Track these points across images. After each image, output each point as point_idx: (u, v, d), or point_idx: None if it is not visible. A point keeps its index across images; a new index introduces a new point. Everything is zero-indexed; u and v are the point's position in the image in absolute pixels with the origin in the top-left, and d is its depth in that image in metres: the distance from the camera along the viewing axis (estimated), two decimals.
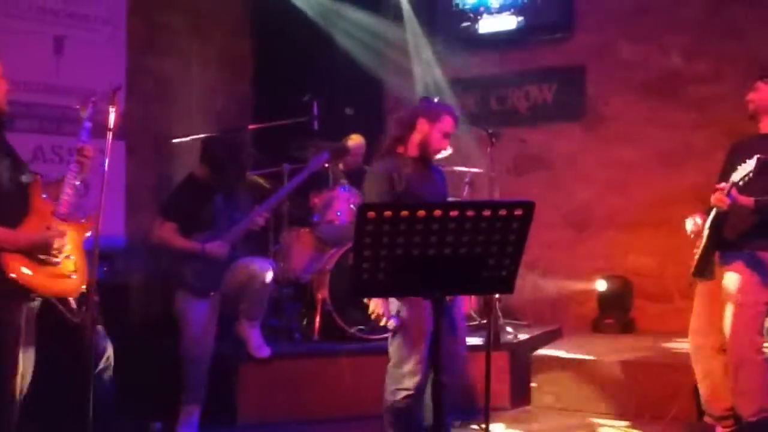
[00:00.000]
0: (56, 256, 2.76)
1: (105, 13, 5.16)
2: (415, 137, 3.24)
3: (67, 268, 2.80)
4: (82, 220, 2.95)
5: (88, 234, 2.95)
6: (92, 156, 2.95)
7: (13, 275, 2.60)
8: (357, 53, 6.01)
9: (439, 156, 3.34)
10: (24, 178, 2.84)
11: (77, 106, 3.02)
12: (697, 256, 3.41)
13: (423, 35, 6.22)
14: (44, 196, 2.87)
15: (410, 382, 3.00)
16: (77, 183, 2.88)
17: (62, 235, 2.79)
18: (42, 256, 2.71)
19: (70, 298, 2.77)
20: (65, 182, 2.86)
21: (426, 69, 6.20)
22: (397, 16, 6.28)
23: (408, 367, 3.01)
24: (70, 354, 2.92)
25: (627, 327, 5.29)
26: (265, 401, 4.05)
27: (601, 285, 5.44)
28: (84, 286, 2.83)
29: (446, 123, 3.23)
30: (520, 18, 6.03)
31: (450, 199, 3.49)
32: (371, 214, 1.91)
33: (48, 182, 2.93)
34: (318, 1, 6.09)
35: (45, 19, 4.89)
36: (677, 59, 5.48)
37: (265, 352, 3.97)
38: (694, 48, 5.42)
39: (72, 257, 2.83)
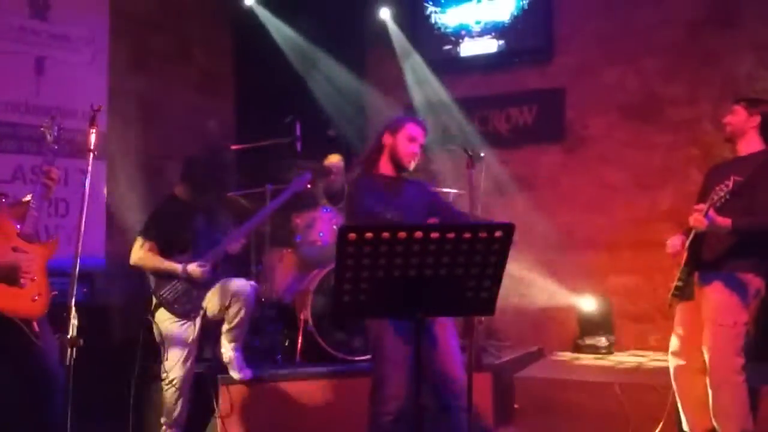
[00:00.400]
0: (23, 278, 2.74)
1: (87, 33, 5.16)
2: (385, 154, 3.25)
3: (32, 291, 2.79)
4: (47, 242, 2.95)
5: (51, 256, 2.93)
6: (57, 178, 2.95)
7: None
8: (337, 80, 6.07)
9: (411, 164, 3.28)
10: None
11: (41, 127, 3.02)
12: (676, 277, 3.44)
13: (408, 56, 6.29)
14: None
15: (391, 406, 2.93)
16: (42, 204, 2.87)
17: (30, 257, 2.78)
18: (7, 278, 2.69)
19: (33, 321, 2.75)
20: (30, 203, 2.86)
21: (409, 90, 6.26)
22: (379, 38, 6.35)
23: (387, 390, 2.95)
24: (27, 376, 2.89)
25: (608, 347, 5.31)
26: (246, 423, 4.00)
27: (582, 305, 5.46)
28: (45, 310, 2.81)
29: (409, 128, 3.24)
30: (501, 41, 6.12)
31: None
32: (352, 236, 1.92)
33: (12, 203, 2.92)
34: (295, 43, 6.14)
35: (26, 40, 4.89)
36: (654, 82, 5.57)
37: (246, 374, 3.93)
38: (670, 71, 5.52)
39: (36, 279, 2.82)
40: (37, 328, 2.75)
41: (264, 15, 6.13)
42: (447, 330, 3.10)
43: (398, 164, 3.26)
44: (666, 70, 5.54)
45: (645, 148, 5.59)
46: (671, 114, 5.51)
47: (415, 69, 6.25)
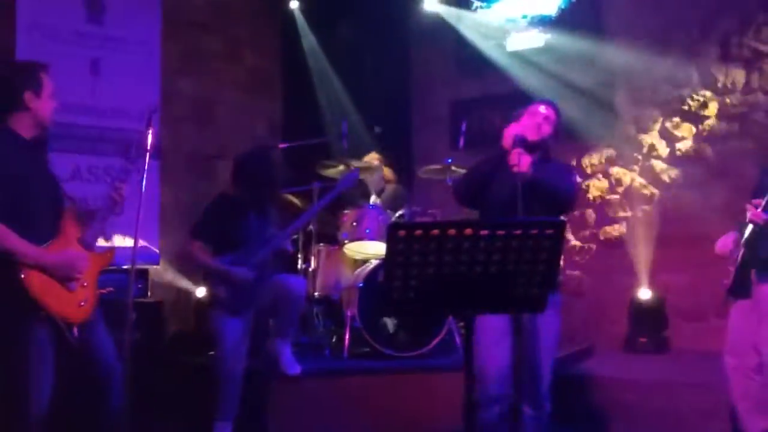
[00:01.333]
0: (75, 282, 2.79)
1: (140, 35, 5.29)
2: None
3: (80, 296, 2.82)
4: (104, 252, 2.98)
5: (106, 266, 2.97)
6: (126, 197, 3.00)
7: (27, 288, 2.64)
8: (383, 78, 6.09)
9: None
10: (60, 201, 2.91)
11: (126, 153, 3.08)
12: (732, 274, 3.36)
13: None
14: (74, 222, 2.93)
15: (486, 390, 2.89)
16: (106, 217, 2.93)
17: (86, 262, 2.83)
18: (61, 279, 2.75)
19: (74, 326, 2.77)
20: (96, 215, 2.93)
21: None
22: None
23: (483, 373, 2.89)
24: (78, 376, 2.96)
25: (661, 346, 5.20)
26: (295, 418, 4.06)
27: (634, 303, 5.37)
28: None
29: (532, 110, 3.18)
30: (548, 35, 6.03)
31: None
32: (402, 232, 1.92)
33: (81, 211, 2.98)
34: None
35: (82, 42, 5.04)
36: (707, 74, 5.43)
37: (296, 369, 3.98)
38: (723, 62, 5.37)
39: (86, 286, 2.85)
40: (76, 333, 2.76)
41: (303, 23, 6.18)
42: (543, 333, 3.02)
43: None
44: (719, 61, 5.39)
45: (697, 141, 5.46)
46: (725, 106, 5.36)
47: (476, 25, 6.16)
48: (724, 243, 3.41)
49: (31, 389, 2.71)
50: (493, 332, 2.94)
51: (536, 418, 3.02)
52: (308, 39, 6.17)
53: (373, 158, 5.37)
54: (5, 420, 2.73)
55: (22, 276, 2.64)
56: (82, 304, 2.81)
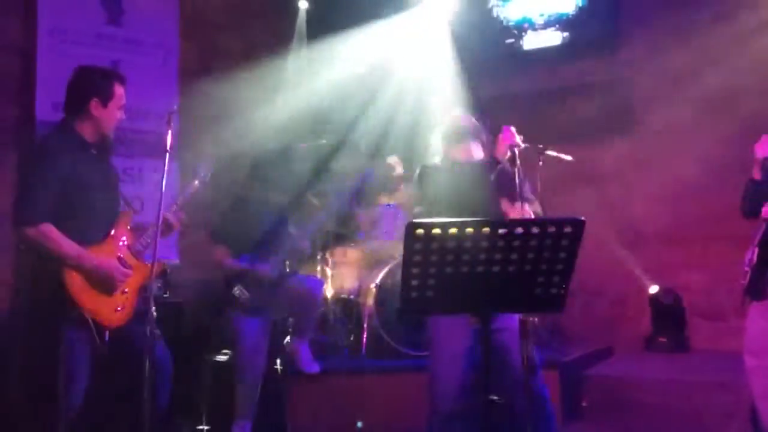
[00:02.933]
0: (115, 287, 2.82)
1: (158, 37, 5.32)
2: None
3: (117, 302, 2.84)
4: (151, 263, 2.98)
5: (148, 280, 2.96)
6: (179, 226, 3.06)
7: (66, 287, 2.69)
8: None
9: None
10: (115, 206, 2.97)
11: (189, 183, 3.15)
12: (748, 275, 3.33)
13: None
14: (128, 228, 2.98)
15: (443, 405, 2.91)
16: (156, 237, 2.94)
17: (128, 272, 2.86)
18: (100, 282, 2.78)
19: (106, 330, 2.79)
20: (150, 228, 2.97)
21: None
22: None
23: (440, 387, 2.93)
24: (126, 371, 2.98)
25: (681, 345, 5.16)
26: (314, 416, 4.08)
27: (653, 303, 5.33)
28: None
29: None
30: (566, 33, 6.00)
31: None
32: (420, 231, 1.92)
33: (136, 224, 3.03)
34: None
35: (102, 44, 5.07)
36: (727, 72, 5.37)
37: (314, 368, 4.00)
38: (744, 61, 5.31)
39: (126, 293, 2.88)
40: (107, 338, 2.78)
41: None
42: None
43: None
44: (740, 57, 5.33)
45: (716, 140, 5.40)
46: (746, 105, 5.31)
47: None
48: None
49: (62, 387, 2.75)
50: (451, 351, 2.94)
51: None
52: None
53: (393, 161, 5.38)
54: (36, 416, 2.78)
55: (64, 274, 2.69)
56: (119, 309, 2.84)
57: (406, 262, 1.96)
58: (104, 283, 2.79)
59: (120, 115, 2.95)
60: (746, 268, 3.35)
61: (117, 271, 2.82)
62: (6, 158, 4.44)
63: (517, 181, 2.87)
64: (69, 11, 4.83)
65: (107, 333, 2.79)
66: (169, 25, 5.39)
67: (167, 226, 3.01)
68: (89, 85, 2.89)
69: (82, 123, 2.88)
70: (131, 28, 5.17)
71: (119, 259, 2.89)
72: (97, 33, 5.02)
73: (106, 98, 2.88)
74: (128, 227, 2.97)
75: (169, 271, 4.72)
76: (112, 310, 2.82)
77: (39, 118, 4.46)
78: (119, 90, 2.93)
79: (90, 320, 2.73)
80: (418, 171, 3.23)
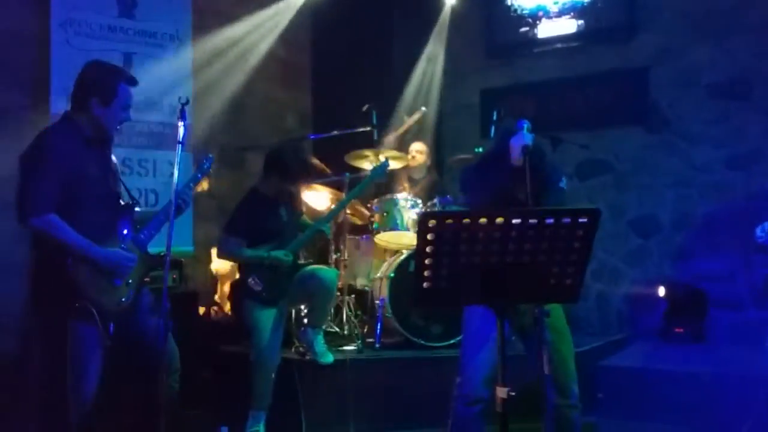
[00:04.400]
0: (119, 278, 2.82)
1: (172, 29, 5.32)
2: None
3: (122, 293, 2.84)
4: (157, 255, 3.00)
5: (156, 269, 2.99)
6: (189, 205, 3.06)
7: (72, 279, 2.69)
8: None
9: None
10: (117, 198, 2.96)
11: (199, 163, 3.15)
12: None
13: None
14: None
15: (468, 388, 2.91)
16: (164, 220, 2.97)
17: (134, 263, 2.85)
18: (106, 274, 2.78)
19: (110, 322, 2.79)
20: (155, 217, 2.98)
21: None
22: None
23: (467, 371, 2.94)
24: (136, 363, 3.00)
25: (698, 336, 5.11)
26: (327, 406, 4.08)
27: (670, 293, 5.28)
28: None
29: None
30: (580, 21, 5.94)
31: None
32: (433, 222, 1.90)
33: (141, 212, 3.03)
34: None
35: (115, 37, 5.08)
36: (744, 60, 5.30)
37: (328, 358, 4.01)
38: (762, 48, 5.23)
39: (130, 284, 2.88)
40: (111, 330, 2.78)
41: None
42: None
43: None
44: (757, 47, 5.26)
45: (734, 129, 5.34)
46: (762, 92, 5.23)
47: None
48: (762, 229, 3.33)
49: (73, 378, 2.76)
50: (481, 336, 2.91)
51: (564, 406, 3.00)
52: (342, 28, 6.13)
53: (418, 148, 5.37)
54: (49, 407, 2.79)
55: (70, 266, 2.69)
56: (123, 300, 2.84)
57: (419, 253, 1.94)
58: (110, 275, 2.80)
59: (124, 115, 2.92)
60: None
61: (123, 261, 2.83)
62: (21, 150, 4.47)
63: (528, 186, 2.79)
64: (81, 3, 4.84)
65: (112, 325, 2.79)
66: (182, 17, 5.39)
67: (177, 209, 2.98)
68: (92, 83, 2.85)
69: (82, 118, 2.86)
70: (144, 20, 5.17)
71: (123, 250, 2.88)
72: (109, 25, 5.03)
73: (108, 98, 2.83)
74: (132, 219, 2.97)
75: (184, 261, 4.74)
76: (117, 301, 2.83)
77: (53, 111, 4.48)
78: (125, 91, 2.89)
79: (95, 312, 2.73)
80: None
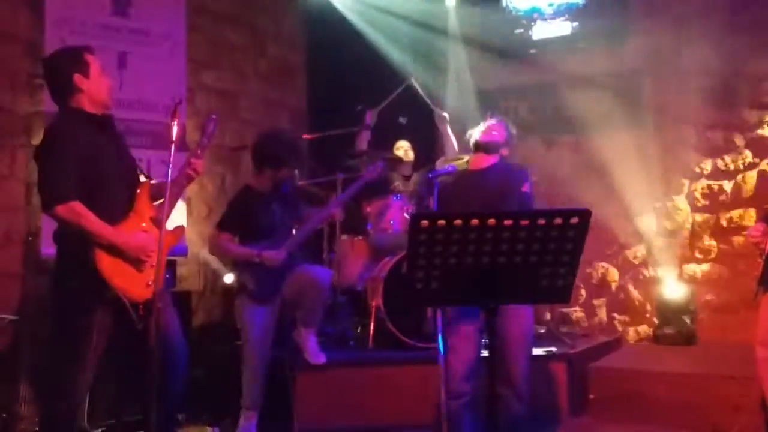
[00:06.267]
0: (144, 262, 2.80)
1: (165, 29, 5.31)
2: None
3: (148, 276, 2.80)
4: (174, 229, 2.98)
5: (176, 243, 3.01)
6: (200, 173, 3.01)
7: (97, 268, 2.68)
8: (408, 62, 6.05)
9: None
10: (133, 178, 2.95)
11: (202, 130, 3.09)
12: (761, 266, 3.29)
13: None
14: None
15: (454, 384, 3.00)
16: (178, 193, 2.95)
17: (155, 242, 2.80)
18: (131, 259, 2.77)
19: (140, 306, 2.77)
20: (167, 189, 2.89)
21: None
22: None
23: (452, 366, 3.01)
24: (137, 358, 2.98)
25: (689, 338, 5.13)
26: (320, 407, 4.09)
27: (661, 294, 5.30)
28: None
29: None
30: (575, 23, 5.95)
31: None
32: (425, 223, 1.91)
33: (153, 185, 3.01)
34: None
35: (109, 36, 5.07)
36: (738, 62, 5.32)
37: (321, 358, 4.01)
38: (755, 50, 5.26)
39: (155, 266, 2.84)
40: (142, 312, 2.75)
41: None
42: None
43: None
44: (751, 49, 5.28)
45: (728, 131, 5.36)
46: (756, 95, 5.25)
47: None
48: (754, 231, 3.34)
49: (80, 370, 2.75)
50: (464, 336, 3.05)
51: (513, 398, 3.07)
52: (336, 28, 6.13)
53: (402, 146, 5.37)
54: (49, 396, 2.78)
55: (95, 255, 2.68)
56: (149, 284, 2.79)
57: (411, 254, 1.96)
58: (135, 259, 2.78)
59: (107, 81, 2.94)
60: (759, 260, 3.32)
61: (149, 244, 2.81)
62: (17, 151, 4.46)
63: None
64: (75, 2, 4.83)
65: (141, 308, 2.76)
66: (176, 17, 5.38)
67: (188, 177, 2.97)
68: (64, 65, 2.87)
69: (77, 100, 2.87)
70: (137, 19, 5.16)
71: (144, 230, 2.87)
72: (103, 24, 5.02)
73: (84, 69, 2.86)
74: (149, 199, 2.95)
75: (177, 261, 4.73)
76: (144, 285, 2.79)
77: (48, 110, 4.47)
78: (92, 58, 2.91)
79: (125, 300, 2.73)
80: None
